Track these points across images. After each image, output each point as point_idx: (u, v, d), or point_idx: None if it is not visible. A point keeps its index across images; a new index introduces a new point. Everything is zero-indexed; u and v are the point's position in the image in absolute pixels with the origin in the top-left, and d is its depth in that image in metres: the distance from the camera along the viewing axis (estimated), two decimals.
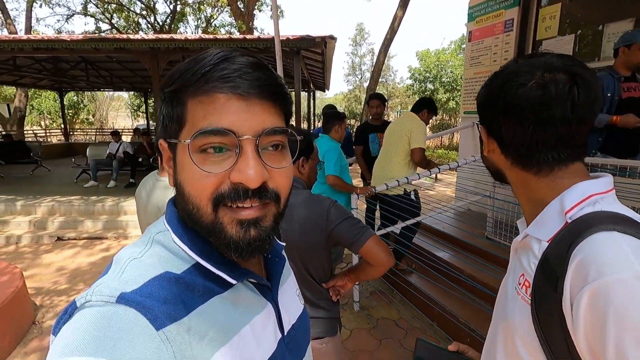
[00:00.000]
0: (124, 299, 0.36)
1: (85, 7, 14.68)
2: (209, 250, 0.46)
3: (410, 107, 3.27)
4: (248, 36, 5.59)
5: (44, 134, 17.05)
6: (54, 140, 16.00)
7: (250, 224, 0.43)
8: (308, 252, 1.24)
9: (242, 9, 12.08)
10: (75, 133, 18.61)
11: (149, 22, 15.46)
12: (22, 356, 2.43)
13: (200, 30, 15.84)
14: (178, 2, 15.07)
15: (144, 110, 14.50)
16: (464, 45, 7.55)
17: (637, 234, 0.47)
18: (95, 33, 14.23)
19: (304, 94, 12.63)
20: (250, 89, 0.41)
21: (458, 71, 16.41)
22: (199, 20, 15.95)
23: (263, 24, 49.05)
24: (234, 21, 13.41)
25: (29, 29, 13.47)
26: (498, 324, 0.65)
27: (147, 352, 0.34)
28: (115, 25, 15.28)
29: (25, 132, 13.70)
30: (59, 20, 28.88)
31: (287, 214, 1.21)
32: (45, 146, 10.39)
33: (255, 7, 12.76)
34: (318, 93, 14.74)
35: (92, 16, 15.22)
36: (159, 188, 1.55)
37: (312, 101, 12.33)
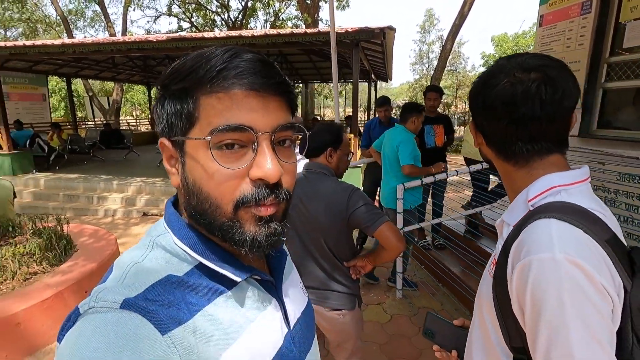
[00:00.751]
0: (128, 304, 0.36)
1: (169, 8, 16.23)
2: (213, 250, 0.45)
3: None
4: (309, 30, 5.78)
5: (135, 123, 19.21)
6: (143, 128, 17.99)
7: (268, 221, 0.44)
8: (330, 232, 1.40)
9: (308, 1, 12.34)
10: None
11: (222, 19, 16.54)
12: None
13: (268, 25, 16.53)
14: None
15: None
16: None
17: (575, 222, 0.53)
18: (178, 31, 15.70)
19: (364, 84, 12.53)
20: (266, 86, 0.41)
21: None
22: (268, 15, 16.64)
23: (328, 15, 48.88)
24: (300, 14, 13.77)
25: (124, 30, 15.39)
26: (476, 303, 0.72)
27: (153, 357, 0.34)
28: (194, 23, 16.64)
29: (120, 121, 15.71)
30: (148, 22, 32.06)
31: (315, 197, 1.39)
32: (135, 134, 11.82)
33: None
34: (383, 84, 14.50)
35: (175, 16, 16.75)
36: None
37: (373, 92, 12.22)
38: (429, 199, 3.74)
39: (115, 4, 22.91)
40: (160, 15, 17.26)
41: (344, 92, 20.96)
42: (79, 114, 19.55)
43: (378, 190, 4.00)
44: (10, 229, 3.25)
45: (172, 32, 14.81)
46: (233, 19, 16.51)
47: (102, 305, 0.36)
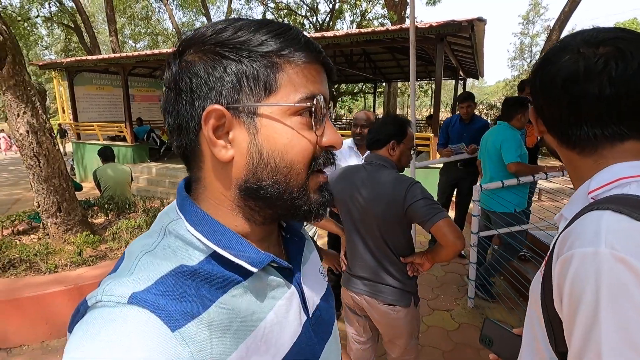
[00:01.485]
0: (136, 299, 0.34)
1: (264, 15, 17.55)
2: (228, 237, 0.43)
3: None
4: (390, 27, 5.71)
5: None
6: None
7: (324, 188, 0.46)
8: (387, 224, 1.39)
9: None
10: None
11: (311, 22, 17.23)
12: None
13: (354, 25, 16.69)
14: (337, 0, 16.24)
15: None
16: None
17: (635, 214, 0.45)
18: None
19: (450, 82, 11.74)
20: (329, 64, 0.45)
21: None
22: (354, 15, 16.79)
23: (416, 12, 47.06)
24: (386, 12, 13.59)
25: None
26: (529, 303, 0.66)
27: (162, 355, 0.33)
28: None
29: None
30: None
31: (373, 186, 1.40)
32: None
33: None
34: (475, 82, 13.48)
35: None
36: None
37: (460, 89, 11.46)
38: None
39: (219, 15, 25.57)
40: None
41: (429, 91, 20.05)
42: None
43: (454, 191, 3.78)
44: (127, 206, 3.95)
45: None
46: (320, 22, 17.08)
47: (109, 299, 0.35)
